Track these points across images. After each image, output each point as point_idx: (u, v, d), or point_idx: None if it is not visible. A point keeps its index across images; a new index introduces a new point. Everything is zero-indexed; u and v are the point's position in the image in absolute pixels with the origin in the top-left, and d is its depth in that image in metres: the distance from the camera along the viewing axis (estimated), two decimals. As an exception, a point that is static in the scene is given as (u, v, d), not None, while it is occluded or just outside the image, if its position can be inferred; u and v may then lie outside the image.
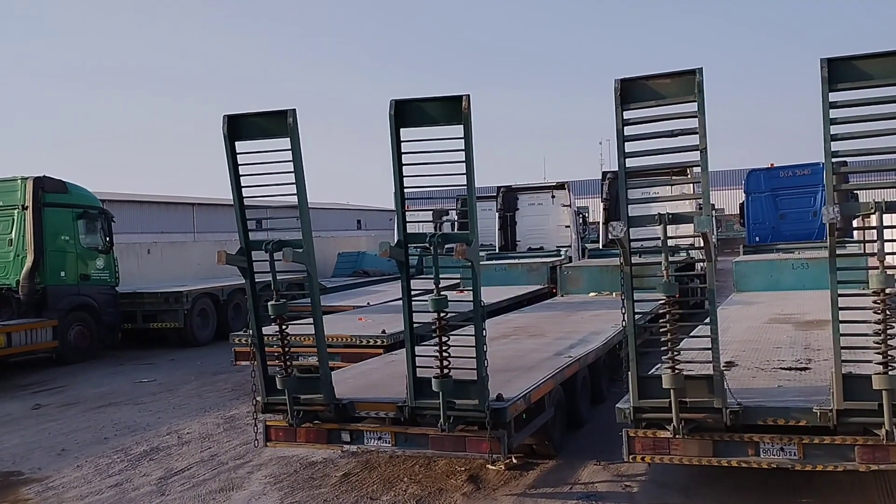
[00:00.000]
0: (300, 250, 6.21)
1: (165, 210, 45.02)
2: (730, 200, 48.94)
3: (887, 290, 5.05)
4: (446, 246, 6.28)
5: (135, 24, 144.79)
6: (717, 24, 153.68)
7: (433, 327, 6.12)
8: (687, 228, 5.65)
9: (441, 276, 6.08)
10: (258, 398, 6.81)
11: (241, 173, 6.36)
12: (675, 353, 5.58)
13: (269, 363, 6.73)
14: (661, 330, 5.68)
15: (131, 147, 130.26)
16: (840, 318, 5.23)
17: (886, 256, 5.08)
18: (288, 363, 6.51)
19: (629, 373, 5.77)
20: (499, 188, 21.52)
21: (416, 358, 6.22)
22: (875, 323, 5.10)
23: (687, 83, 5.45)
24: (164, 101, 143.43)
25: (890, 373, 5.03)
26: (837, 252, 5.30)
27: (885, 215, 5.08)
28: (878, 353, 5.07)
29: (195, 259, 21.84)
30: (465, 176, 5.91)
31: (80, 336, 15.78)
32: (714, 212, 8.78)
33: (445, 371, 6.03)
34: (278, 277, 6.43)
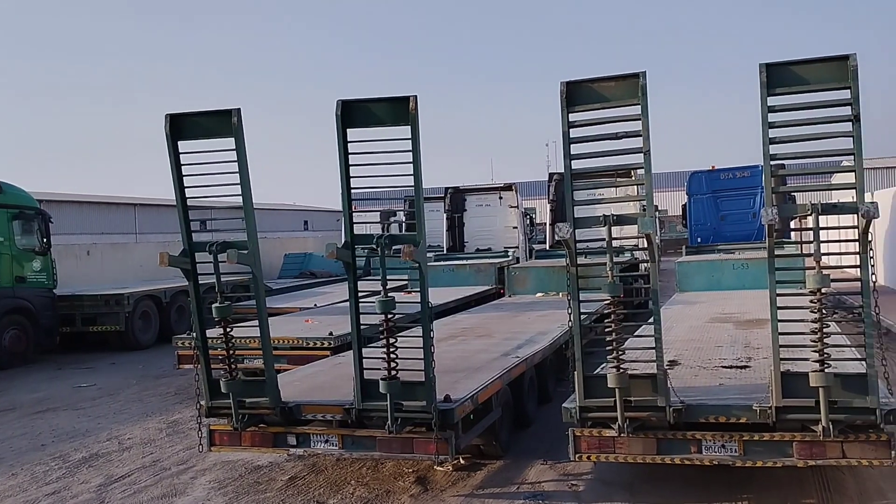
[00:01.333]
0: (245, 252, 6.13)
1: (106, 210, 44.02)
2: (672, 202, 49.84)
3: (823, 290, 5.20)
4: (394, 247, 6.26)
5: (70, 23, 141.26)
6: (658, 28, 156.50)
7: (380, 329, 6.09)
8: (631, 229, 5.75)
9: (388, 277, 6.06)
10: (202, 402, 6.68)
11: (184, 173, 6.24)
12: (620, 352, 5.65)
13: (213, 366, 6.62)
14: (607, 330, 5.74)
15: (69, 147, 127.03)
16: (778, 318, 5.36)
17: (822, 257, 5.22)
18: (232, 366, 6.41)
19: (575, 372, 5.83)
20: (446, 189, 21.57)
21: (364, 360, 6.19)
22: (812, 322, 5.24)
23: (631, 86, 5.53)
24: (105, 100, 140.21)
25: (826, 370, 5.17)
26: (776, 253, 5.43)
27: (820, 217, 5.23)
28: (814, 352, 5.21)
29: (137, 260, 21.40)
30: (412, 177, 5.90)
31: (16, 340, 15.29)
32: (657, 213, 8.89)
33: (393, 373, 6.00)
34: (222, 279, 6.33)
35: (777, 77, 5.28)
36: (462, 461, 7.17)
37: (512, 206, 21.17)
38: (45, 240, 16.21)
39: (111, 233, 41.44)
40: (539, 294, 14.57)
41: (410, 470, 7.15)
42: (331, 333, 9.90)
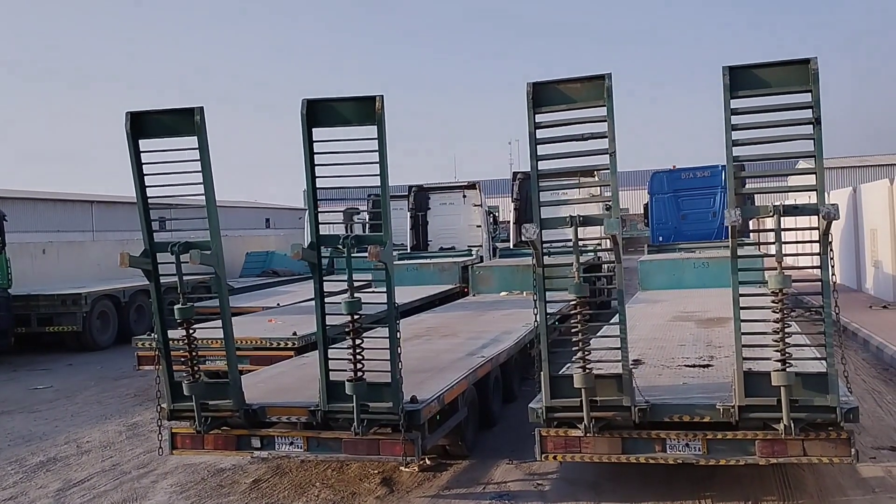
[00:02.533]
0: (208, 252, 6.03)
1: (62, 208, 43.11)
2: (634, 200, 50.38)
3: (785, 291, 5.27)
4: (359, 248, 6.21)
5: (27, 13, 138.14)
6: (621, 27, 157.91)
7: (346, 329, 6.05)
8: (594, 229, 5.78)
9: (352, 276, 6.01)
10: (163, 405, 6.58)
11: (145, 172, 6.13)
12: (587, 352, 5.68)
13: (174, 368, 6.51)
14: (573, 330, 5.77)
15: (22, 142, 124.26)
16: (741, 318, 5.43)
17: (784, 258, 5.30)
18: (195, 368, 6.32)
19: (541, 373, 5.84)
20: (410, 187, 21.49)
21: (329, 361, 6.14)
22: (774, 322, 5.31)
23: (597, 88, 5.56)
24: (60, 93, 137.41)
25: (787, 370, 5.25)
26: (738, 253, 5.50)
27: (782, 218, 5.31)
28: (776, 351, 5.29)
29: (94, 259, 20.98)
30: (378, 177, 5.86)
31: (-31, 341, 14.92)
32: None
33: (359, 374, 5.96)
34: (184, 278, 6.23)
35: (740, 80, 5.35)
36: (428, 461, 7.16)
37: (476, 205, 21.16)
38: (-2, 238, 15.81)
39: (67, 230, 40.61)
40: (503, 293, 14.61)
41: (376, 471, 7.11)
42: (294, 333, 9.81)
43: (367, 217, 21.55)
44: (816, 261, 5.41)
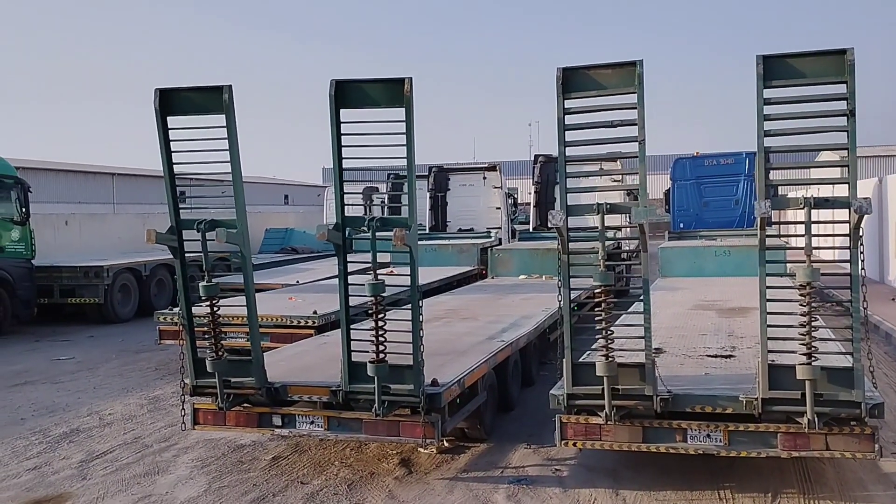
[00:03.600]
0: (234, 230, 6.05)
1: (84, 180, 43.43)
2: (653, 186, 50.05)
3: (813, 284, 5.23)
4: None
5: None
6: (649, 11, 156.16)
7: (369, 311, 6.06)
8: (615, 216, 5.74)
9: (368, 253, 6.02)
10: (186, 380, 6.63)
11: (172, 149, 6.14)
12: (609, 341, 5.66)
13: (197, 344, 6.56)
14: (596, 318, 5.75)
15: (45, 111, 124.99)
16: (767, 310, 5.39)
17: (813, 251, 5.25)
18: (218, 345, 6.36)
19: (563, 360, 5.83)
20: (430, 168, 21.48)
21: (351, 342, 6.16)
22: (801, 315, 5.27)
23: (628, 74, 5.50)
24: (84, 66, 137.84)
25: (813, 363, 5.22)
26: (767, 245, 5.45)
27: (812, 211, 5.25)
28: (802, 345, 5.25)
29: (115, 232, 21.15)
30: (405, 159, 5.84)
31: (-7, 311, 15.11)
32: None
33: (381, 356, 5.98)
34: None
35: (774, 69, 5.27)
36: (446, 444, 7.19)
37: (495, 187, 21.13)
38: (23, 209, 15.95)
39: (89, 202, 40.90)
40: (522, 276, 14.58)
41: (394, 452, 7.15)
42: (315, 312, 9.86)
43: (387, 197, 21.56)
44: (839, 254, 5.35)
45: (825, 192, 13.61)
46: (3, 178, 15.76)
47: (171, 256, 6.38)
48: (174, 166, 6.18)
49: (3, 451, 7.75)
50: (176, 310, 10.19)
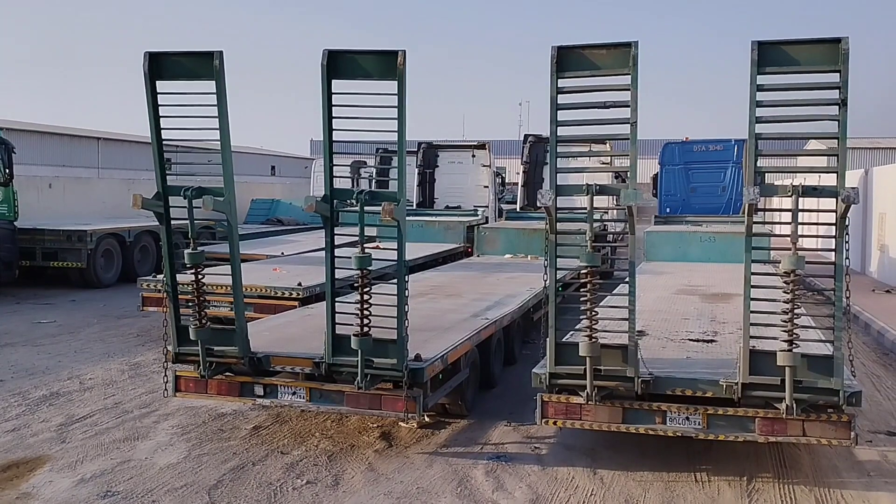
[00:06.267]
0: (221, 199, 6.01)
1: (68, 143, 42.81)
2: (641, 170, 50.00)
3: (797, 272, 5.26)
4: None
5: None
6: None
7: (355, 284, 6.06)
8: (601, 197, 5.73)
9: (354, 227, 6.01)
10: (169, 348, 6.61)
11: (160, 114, 6.07)
12: (594, 322, 5.68)
13: (181, 312, 6.53)
14: (581, 299, 5.77)
15: (32, 74, 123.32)
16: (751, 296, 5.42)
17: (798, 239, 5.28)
18: (202, 314, 6.34)
19: (547, 339, 5.85)
20: (419, 144, 21.36)
21: (336, 314, 6.15)
22: (784, 302, 5.31)
23: (622, 55, 5.47)
24: (74, 29, 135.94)
25: (794, 350, 5.26)
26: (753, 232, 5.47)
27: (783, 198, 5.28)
28: (784, 332, 5.29)
29: (100, 197, 20.99)
30: (394, 134, 5.80)
31: (-26, 272, 14.97)
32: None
33: (365, 329, 5.98)
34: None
35: (768, 56, 5.26)
36: (427, 419, 7.21)
37: (484, 165, 21.06)
38: (7, 170, 15.76)
39: (73, 166, 40.40)
40: (508, 255, 14.60)
41: (375, 425, 7.18)
42: (300, 284, 9.84)
43: (375, 171, 21.46)
44: (822, 243, 5.37)
45: (811, 181, 13.66)
46: (-13, 139, 15.55)
47: (156, 223, 6.35)
48: (162, 132, 6.11)
49: (-18, 412, 7.71)
50: (160, 277, 10.14)
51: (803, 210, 5.27)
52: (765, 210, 6.07)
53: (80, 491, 5.81)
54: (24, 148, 21.40)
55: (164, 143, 6.16)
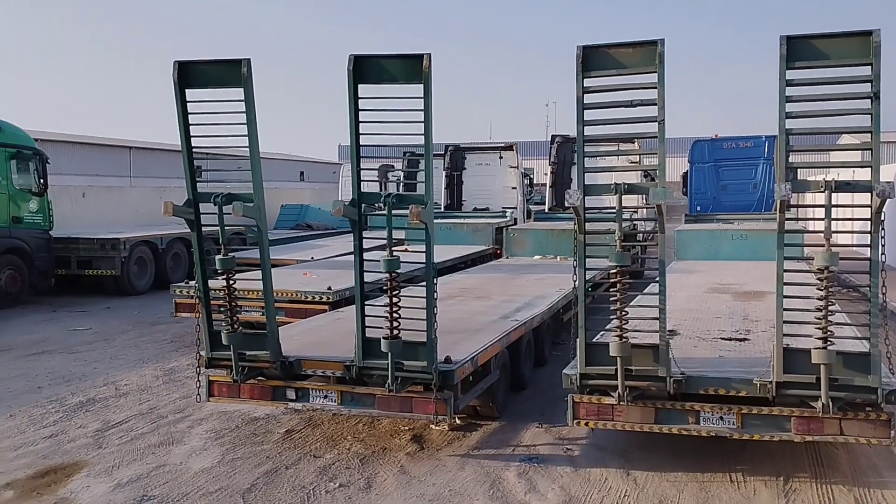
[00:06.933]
0: (251, 204, 6.06)
1: (101, 152, 43.49)
2: (670, 168, 49.60)
3: (831, 268, 5.18)
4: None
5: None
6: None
7: (384, 287, 6.08)
8: (631, 196, 5.70)
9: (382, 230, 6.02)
10: (202, 353, 6.68)
11: (190, 122, 6.15)
12: (624, 321, 5.65)
13: (213, 317, 6.60)
14: (611, 299, 5.73)
15: (64, 84, 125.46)
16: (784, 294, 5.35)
17: (832, 235, 5.20)
18: (234, 318, 6.40)
19: (577, 340, 5.83)
20: (446, 146, 21.36)
21: (365, 317, 6.18)
22: (818, 299, 5.23)
23: (648, 54, 5.43)
24: (104, 39, 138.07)
25: (829, 348, 5.19)
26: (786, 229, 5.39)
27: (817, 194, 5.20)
28: (818, 329, 5.22)
29: (132, 205, 21.28)
30: (421, 136, 5.82)
31: (11, 280, 15.25)
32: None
33: (395, 332, 6.00)
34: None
35: (797, 50, 5.20)
36: (458, 421, 7.22)
37: (512, 167, 21.00)
38: (41, 180, 16.07)
39: (105, 175, 41.01)
40: (537, 256, 14.55)
41: (406, 428, 7.19)
42: (329, 288, 9.89)
43: (402, 175, 21.51)
44: (857, 238, 5.30)
45: (845, 176, 13.46)
46: (23, 150, 15.85)
47: (188, 230, 6.42)
48: (192, 139, 6.18)
49: (21, 418, 7.85)
50: (192, 283, 10.24)
51: (837, 206, 5.19)
52: (798, 206, 6.00)
53: (117, 496, 5.89)
54: (57, 158, 21.74)
55: (194, 150, 6.23)
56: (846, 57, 5.17)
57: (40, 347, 11.42)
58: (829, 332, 5.22)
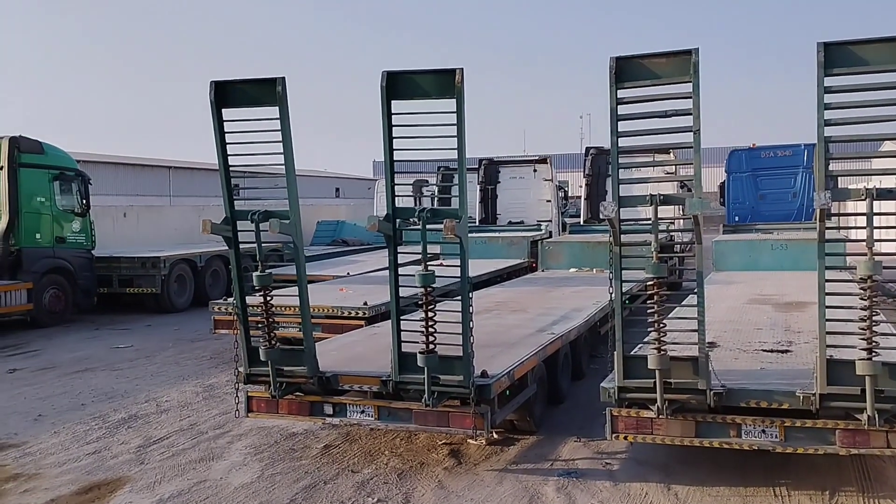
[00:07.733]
0: (287, 221, 6.13)
1: (141, 172, 44.34)
2: (707, 178, 49.14)
3: (875, 277, 5.09)
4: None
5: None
6: (702, 2, 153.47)
7: (419, 302, 6.09)
8: (667, 207, 5.65)
9: (417, 245, 6.04)
10: (240, 369, 6.75)
11: (227, 141, 6.24)
12: (662, 333, 5.59)
13: (251, 334, 6.67)
14: (648, 311, 5.68)
15: (107, 105, 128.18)
16: (826, 304, 5.26)
17: (875, 244, 5.11)
18: (271, 334, 6.45)
19: (615, 353, 5.78)
20: (480, 160, 21.41)
21: (401, 332, 6.19)
22: (861, 309, 5.13)
23: (682, 63, 5.40)
24: (143, 60, 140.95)
25: (873, 359, 5.08)
26: (827, 238, 5.31)
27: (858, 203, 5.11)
28: (862, 339, 5.12)
29: (172, 224, 21.62)
30: (455, 151, 5.84)
31: (55, 299, 15.58)
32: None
33: (431, 346, 6.01)
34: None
35: (835, 57, 5.12)
36: (495, 435, 7.18)
37: (546, 180, 20.95)
38: (84, 201, 16.43)
39: (145, 195, 41.77)
40: (573, 269, 14.49)
41: (443, 442, 7.18)
42: (365, 303, 9.94)
43: (437, 189, 21.58)
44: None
45: (887, 183, 13.17)
46: (65, 171, 16.21)
47: (226, 248, 6.50)
48: (229, 158, 6.27)
49: (65, 435, 7.99)
50: (230, 300, 10.36)
51: (879, 213, 5.10)
52: (839, 215, 5.90)
53: (159, 511, 5.96)
54: (99, 179, 22.22)
55: (231, 169, 6.32)
56: (885, 62, 5.08)
57: (83, 365, 11.62)
58: (873, 343, 5.11)
